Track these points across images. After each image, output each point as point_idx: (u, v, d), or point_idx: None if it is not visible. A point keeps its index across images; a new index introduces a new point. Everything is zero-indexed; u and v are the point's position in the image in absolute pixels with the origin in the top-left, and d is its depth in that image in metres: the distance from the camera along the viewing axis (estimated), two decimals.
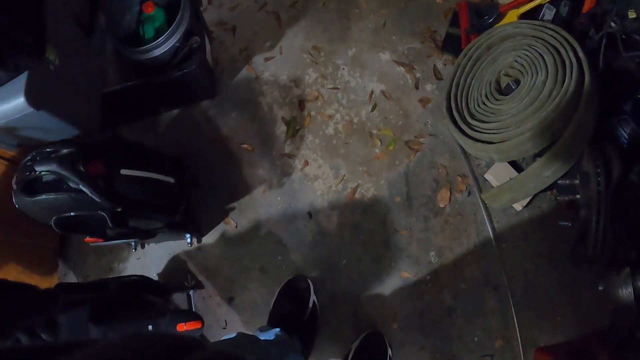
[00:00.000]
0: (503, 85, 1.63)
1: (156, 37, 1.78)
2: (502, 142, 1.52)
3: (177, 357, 0.42)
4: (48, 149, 1.37)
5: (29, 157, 1.37)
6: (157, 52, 1.76)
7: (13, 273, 1.69)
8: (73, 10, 1.43)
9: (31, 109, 1.27)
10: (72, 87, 1.44)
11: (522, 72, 1.56)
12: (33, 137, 1.44)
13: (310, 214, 1.84)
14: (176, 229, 1.77)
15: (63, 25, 1.38)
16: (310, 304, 1.66)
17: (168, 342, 0.44)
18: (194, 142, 2.00)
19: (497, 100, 1.59)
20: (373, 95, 1.91)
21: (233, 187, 1.93)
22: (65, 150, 1.36)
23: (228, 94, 2.05)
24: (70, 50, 1.39)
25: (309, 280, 1.70)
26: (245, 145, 1.96)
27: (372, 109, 1.90)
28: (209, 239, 1.89)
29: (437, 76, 1.88)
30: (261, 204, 1.89)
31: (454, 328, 1.62)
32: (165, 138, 2.03)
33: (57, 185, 1.35)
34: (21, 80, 1.26)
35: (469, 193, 1.73)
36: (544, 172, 1.49)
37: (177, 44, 1.78)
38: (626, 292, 1.20)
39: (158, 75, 1.78)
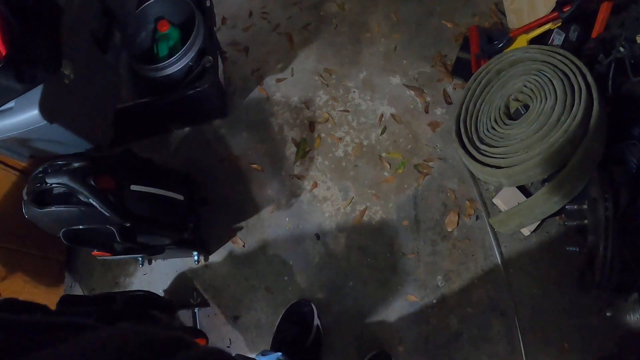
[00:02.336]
0: (512, 110, 1.63)
1: (170, 55, 1.81)
2: (511, 166, 1.52)
3: (165, 354, 0.41)
4: (60, 162, 1.38)
5: (40, 169, 1.38)
6: (171, 70, 1.78)
7: (19, 282, 1.70)
8: (90, 26, 1.45)
9: (45, 122, 1.28)
10: (86, 102, 1.45)
11: (531, 97, 1.56)
12: (45, 149, 1.45)
13: (318, 236, 1.83)
14: (184, 246, 1.77)
15: (79, 40, 1.40)
16: (314, 329, 1.65)
17: (156, 338, 0.44)
18: (204, 160, 2.01)
19: (506, 125, 1.60)
20: (383, 119, 1.93)
21: (242, 207, 1.93)
22: (76, 164, 1.37)
23: (239, 114, 2.07)
24: (85, 65, 1.41)
25: (312, 305, 1.69)
26: (255, 165, 1.97)
27: (382, 132, 1.91)
28: (216, 257, 1.89)
29: (447, 100, 1.89)
30: (269, 224, 1.89)
31: (460, 353, 1.60)
32: (175, 155, 2.04)
33: (67, 197, 1.36)
34: (36, 93, 1.26)
35: (477, 217, 1.73)
36: (552, 198, 1.49)
37: (191, 63, 1.80)
38: (634, 318, 1.18)
39: (171, 93, 1.80)
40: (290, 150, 1.97)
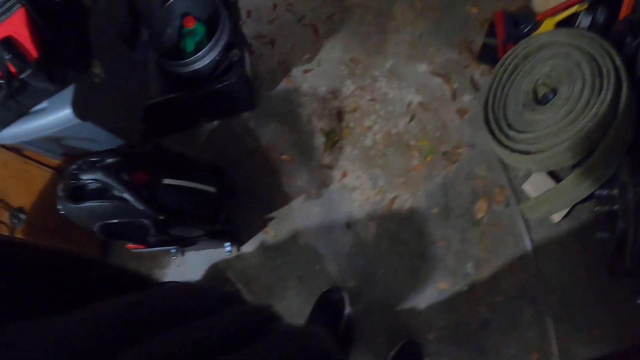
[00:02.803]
0: (540, 95, 1.61)
1: (197, 50, 1.83)
2: (540, 152, 1.50)
3: (222, 305, 0.43)
4: (93, 159, 1.42)
5: (74, 166, 1.42)
6: (198, 65, 1.80)
7: None
8: (117, 25, 1.48)
9: (77, 120, 1.31)
10: (116, 99, 1.49)
11: (559, 81, 1.54)
12: (77, 146, 1.49)
13: (348, 225, 1.84)
14: (216, 237, 1.81)
15: (107, 39, 1.43)
16: (345, 316, 1.66)
17: (213, 291, 0.46)
18: (234, 152, 2.04)
19: (535, 110, 1.58)
20: (411, 107, 1.92)
21: (272, 197, 1.96)
22: (110, 160, 1.40)
23: (267, 106, 2.09)
24: (114, 64, 1.44)
25: (343, 292, 1.71)
26: (284, 156, 1.99)
27: (410, 120, 1.90)
28: (248, 247, 1.92)
29: (475, 87, 1.87)
30: (300, 214, 1.91)
31: (490, 340, 1.60)
32: (205, 149, 2.07)
33: (101, 193, 1.40)
34: (68, 92, 1.30)
35: (507, 204, 1.71)
36: (582, 183, 1.47)
37: (217, 58, 1.82)
38: None
39: (199, 88, 1.82)
40: (319, 140, 1.98)
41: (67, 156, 1.55)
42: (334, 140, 1.96)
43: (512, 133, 1.60)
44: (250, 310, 0.45)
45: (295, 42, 2.18)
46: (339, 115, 1.99)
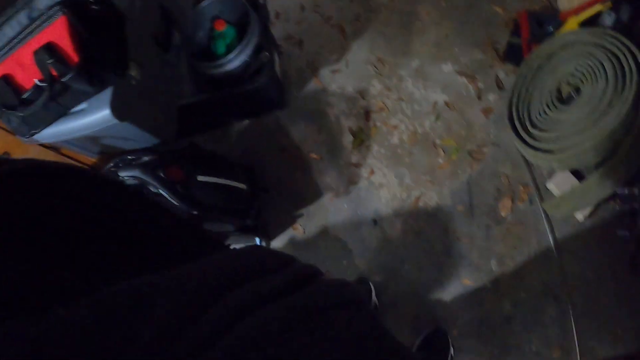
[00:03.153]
0: (564, 94, 1.63)
1: (227, 52, 1.87)
2: (563, 151, 1.52)
3: (280, 265, 0.49)
4: (130, 157, 1.48)
5: (112, 164, 1.49)
6: (229, 66, 1.85)
7: None
8: (151, 29, 1.54)
9: (116, 120, 1.38)
10: (152, 100, 1.55)
11: (582, 81, 1.55)
12: (114, 145, 1.55)
13: (375, 221, 1.88)
14: (247, 232, 1.85)
15: (143, 43, 1.49)
16: (372, 306, 1.70)
17: (272, 251, 0.52)
18: (264, 150, 2.09)
19: (558, 109, 1.59)
20: (436, 106, 1.95)
21: (301, 194, 2.00)
22: (146, 158, 1.47)
23: (297, 106, 2.13)
24: (149, 66, 1.50)
25: (370, 283, 1.75)
26: (313, 155, 2.04)
27: (436, 119, 1.93)
28: (278, 242, 1.97)
29: (500, 86, 1.89)
30: (328, 211, 1.96)
31: (513, 336, 1.62)
32: (236, 147, 2.13)
33: (138, 189, 1.47)
34: (106, 94, 1.36)
35: (531, 202, 1.73)
36: (605, 182, 1.48)
37: (248, 59, 1.86)
38: None
39: (230, 89, 1.87)
40: (347, 139, 2.02)
41: (103, 154, 1.62)
42: (361, 139, 2.00)
43: (536, 132, 1.62)
44: (302, 267, 0.50)
45: (323, 42, 2.21)
46: (367, 114, 2.03)
